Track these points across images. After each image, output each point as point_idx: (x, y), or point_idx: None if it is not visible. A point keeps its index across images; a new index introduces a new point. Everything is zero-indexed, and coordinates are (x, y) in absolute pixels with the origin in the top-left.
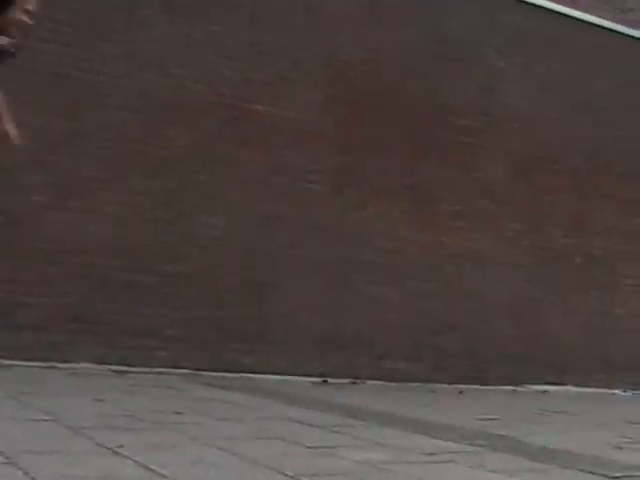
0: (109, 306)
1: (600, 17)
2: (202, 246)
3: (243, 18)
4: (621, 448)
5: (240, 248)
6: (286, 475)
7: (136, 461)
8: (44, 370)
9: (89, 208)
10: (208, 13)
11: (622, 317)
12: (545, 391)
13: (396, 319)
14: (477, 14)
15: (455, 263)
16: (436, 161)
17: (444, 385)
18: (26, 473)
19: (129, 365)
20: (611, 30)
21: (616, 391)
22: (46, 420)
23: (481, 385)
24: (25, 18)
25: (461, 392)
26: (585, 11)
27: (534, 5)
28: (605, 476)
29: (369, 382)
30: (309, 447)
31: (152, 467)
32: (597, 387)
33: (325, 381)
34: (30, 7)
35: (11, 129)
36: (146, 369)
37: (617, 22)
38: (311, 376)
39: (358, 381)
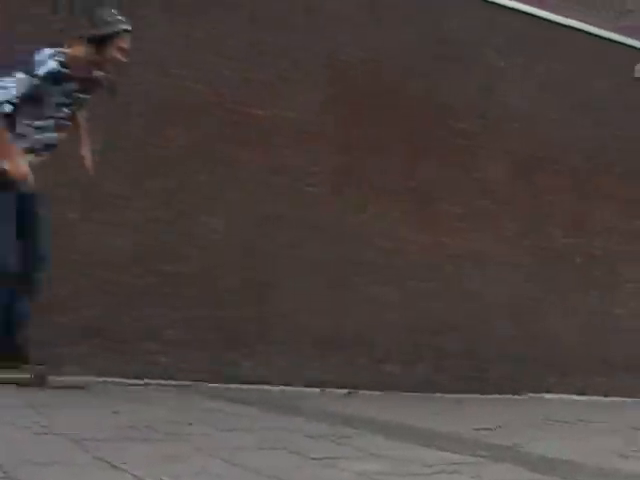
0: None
1: (599, 19)
2: (202, 246)
3: (243, 18)
4: (625, 456)
5: (240, 248)
6: None
7: (135, 475)
8: None
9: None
10: (208, 13)
11: (622, 317)
12: (546, 399)
13: (396, 319)
14: (477, 14)
15: (455, 263)
16: (436, 161)
17: (444, 392)
18: None
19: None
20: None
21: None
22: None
23: (481, 385)
24: (120, 56)
25: (459, 402)
26: (574, 17)
27: (528, 14)
28: None
29: (367, 392)
30: (311, 458)
31: None
32: (599, 392)
33: (323, 390)
34: (125, 46)
35: (87, 155)
36: (149, 380)
37: (615, 28)
38: (310, 380)
39: (356, 390)
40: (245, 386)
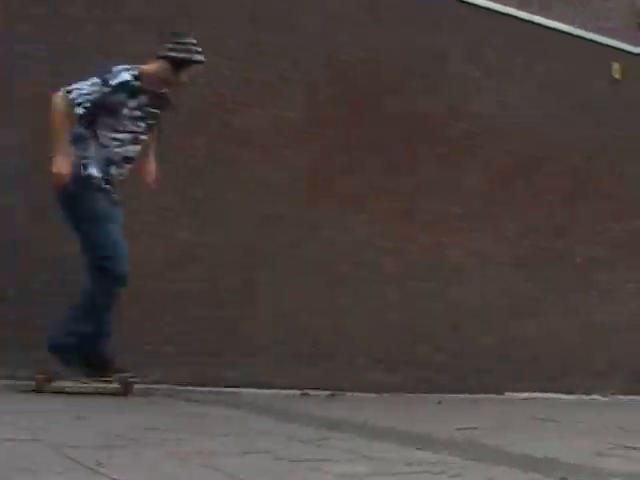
0: None
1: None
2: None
3: (243, 18)
4: (604, 454)
5: (240, 248)
6: None
7: (114, 479)
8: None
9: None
10: (208, 13)
11: (622, 317)
12: (528, 398)
13: (396, 319)
14: (478, 15)
15: (455, 263)
16: (436, 161)
17: (424, 395)
18: None
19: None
20: (581, 37)
21: (599, 396)
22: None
23: (478, 385)
24: (186, 80)
25: (439, 402)
26: (556, 19)
27: (505, 14)
28: None
29: (349, 394)
30: (292, 461)
31: None
32: (580, 392)
33: (305, 394)
34: (193, 73)
35: (152, 170)
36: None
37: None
38: (292, 388)
39: (338, 393)
40: (230, 389)
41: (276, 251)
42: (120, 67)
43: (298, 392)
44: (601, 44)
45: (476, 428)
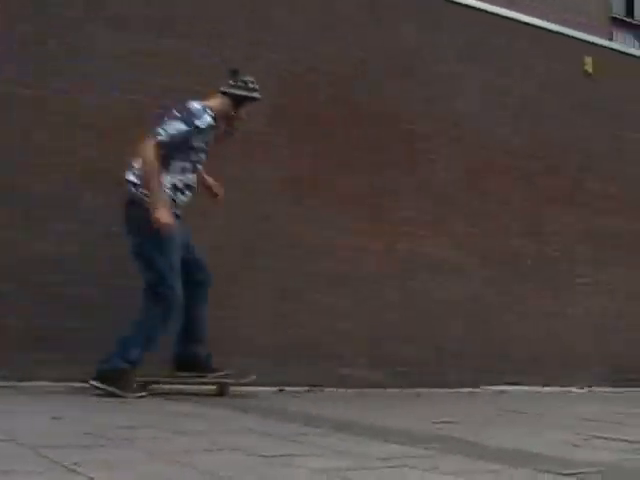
0: (67, 323)
1: (545, 20)
2: None
3: (190, 31)
4: (577, 445)
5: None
6: None
7: (91, 477)
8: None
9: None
10: (155, 27)
11: (577, 317)
12: (503, 391)
13: (353, 327)
14: (430, 22)
15: (409, 269)
16: (390, 168)
17: (402, 390)
18: None
19: (86, 381)
20: (554, 32)
21: (573, 389)
22: (2, 440)
23: (439, 388)
24: (244, 115)
25: (418, 395)
26: (530, 14)
27: (480, 10)
28: (560, 474)
29: (326, 389)
30: (266, 457)
31: None
32: (554, 386)
33: (281, 390)
34: (250, 109)
35: (217, 187)
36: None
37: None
38: (269, 385)
39: (314, 389)
40: (203, 387)
41: (233, 263)
42: (197, 105)
43: (275, 388)
44: (573, 38)
45: (452, 422)
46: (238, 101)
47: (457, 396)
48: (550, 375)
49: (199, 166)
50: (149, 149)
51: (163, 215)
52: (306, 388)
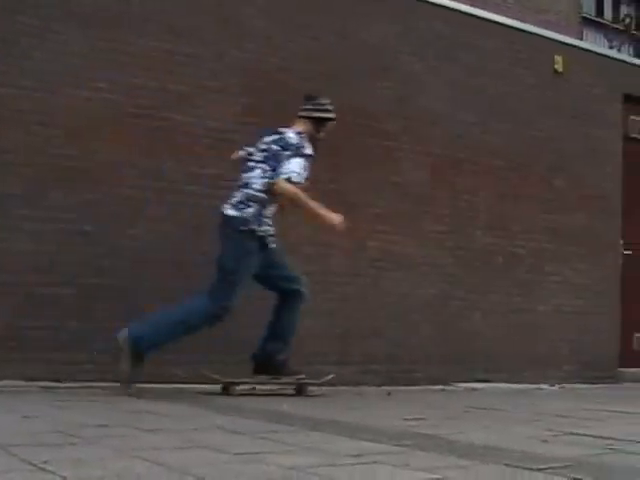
0: (35, 322)
1: (515, 19)
2: (125, 258)
3: (160, 29)
4: (546, 441)
5: (164, 259)
6: None
7: (62, 476)
8: None
9: (9, 225)
10: (126, 25)
11: (545, 314)
12: (473, 389)
13: (322, 325)
14: (391, 19)
15: (378, 266)
16: (357, 166)
17: (373, 387)
18: None
19: (57, 380)
20: (524, 31)
21: (543, 386)
22: None
23: (409, 386)
24: (323, 136)
25: (389, 394)
26: (501, 13)
27: (448, 8)
28: (530, 469)
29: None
30: (236, 454)
31: None
32: (524, 383)
33: (254, 388)
34: (329, 129)
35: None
36: (74, 383)
37: (532, 23)
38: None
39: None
40: (172, 385)
41: (198, 260)
42: (295, 136)
43: (246, 387)
44: (543, 37)
45: (423, 419)
46: (318, 123)
47: (427, 393)
48: (520, 372)
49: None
50: (287, 189)
51: (330, 218)
52: (278, 386)
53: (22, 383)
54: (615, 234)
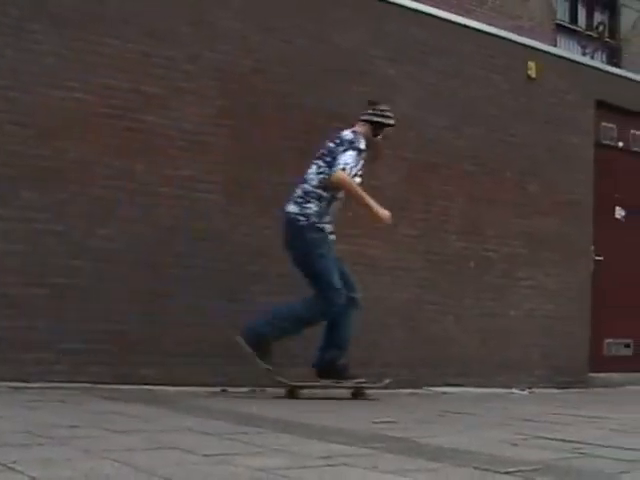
0: (5, 322)
1: (489, 25)
2: (97, 258)
3: (134, 30)
4: (516, 445)
5: (136, 260)
6: None
7: (31, 476)
8: None
9: None
10: (99, 26)
11: (517, 319)
12: (444, 392)
13: None
14: (365, 23)
15: (351, 270)
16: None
17: (344, 390)
18: None
19: (26, 381)
20: (498, 37)
21: (514, 390)
22: None
23: (381, 390)
24: (381, 140)
25: (354, 394)
26: (475, 18)
27: (422, 12)
28: (498, 472)
29: (268, 390)
30: (204, 455)
31: None
32: (496, 387)
33: (224, 390)
34: (387, 133)
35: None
36: (43, 384)
37: (506, 29)
38: (211, 386)
39: (257, 389)
40: (142, 387)
41: (171, 263)
42: (349, 133)
43: (218, 389)
44: (517, 43)
45: (393, 422)
46: (377, 127)
47: (398, 397)
48: (492, 376)
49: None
50: (342, 178)
51: (381, 212)
52: (248, 389)
53: None
54: (587, 240)
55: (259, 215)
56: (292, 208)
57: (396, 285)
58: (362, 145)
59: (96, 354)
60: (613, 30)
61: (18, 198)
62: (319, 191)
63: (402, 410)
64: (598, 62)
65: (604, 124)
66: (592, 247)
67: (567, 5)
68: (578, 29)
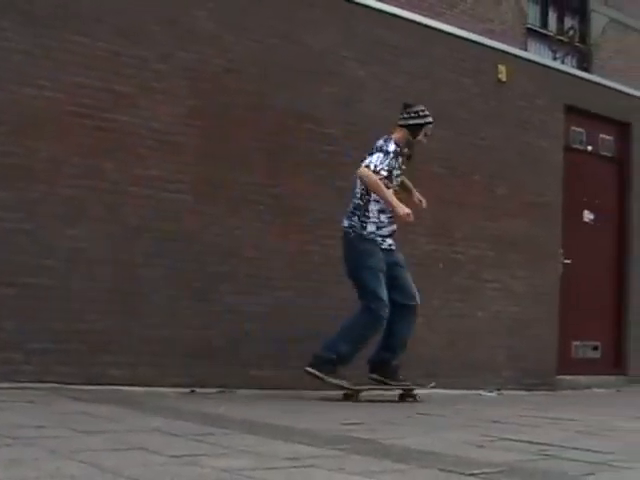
0: None
1: (460, 28)
2: (66, 258)
3: (105, 29)
4: (482, 446)
5: (105, 260)
6: None
7: None
8: None
9: None
10: (70, 24)
11: (485, 320)
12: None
13: (262, 328)
14: (336, 24)
15: (321, 271)
16: (300, 170)
17: (311, 392)
18: None
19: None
20: (469, 40)
21: (482, 392)
22: None
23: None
24: (425, 140)
25: (327, 398)
26: (446, 21)
27: (393, 15)
28: (462, 474)
29: (238, 391)
30: (171, 456)
31: None
32: (465, 388)
33: (193, 391)
34: (429, 133)
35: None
36: (11, 384)
37: (477, 32)
38: (179, 387)
39: (226, 390)
40: (111, 387)
41: (140, 263)
42: (381, 140)
43: (187, 390)
44: (487, 46)
45: (359, 423)
46: (415, 129)
47: (365, 398)
48: (459, 378)
49: (397, 188)
50: (364, 173)
51: (401, 209)
52: (217, 389)
53: None
54: (555, 243)
55: (229, 215)
56: (344, 222)
57: None
58: (391, 147)
59: (65, 354)
60: (583, 35)
61: None
62: (359, 201)
63: (369, 412)
64: (568, 67)
65: (573, 128)
66: (561, 250)
67: (538, 9)
68: (549, 33)
